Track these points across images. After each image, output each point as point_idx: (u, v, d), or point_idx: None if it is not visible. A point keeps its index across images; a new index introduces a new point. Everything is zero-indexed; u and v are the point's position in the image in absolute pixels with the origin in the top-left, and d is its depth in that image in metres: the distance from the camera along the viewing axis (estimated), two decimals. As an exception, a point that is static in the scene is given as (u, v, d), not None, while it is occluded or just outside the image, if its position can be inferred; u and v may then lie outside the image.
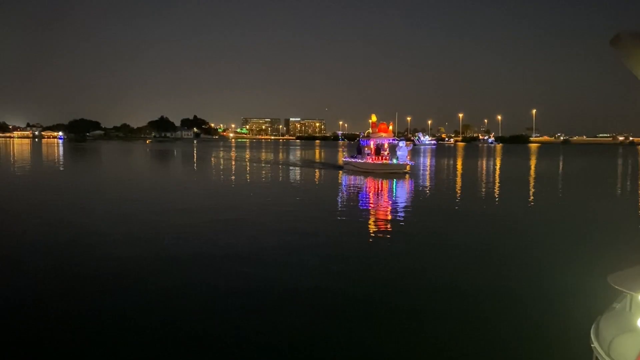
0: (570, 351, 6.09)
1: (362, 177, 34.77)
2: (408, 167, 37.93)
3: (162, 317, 7.53)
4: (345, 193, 26.66)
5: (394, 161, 38.17)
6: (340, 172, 40.27)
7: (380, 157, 39.03)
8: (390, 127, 43.08)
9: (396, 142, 40.79)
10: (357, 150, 42.82)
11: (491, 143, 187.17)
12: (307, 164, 53.25)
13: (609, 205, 21.40)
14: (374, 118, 42.91)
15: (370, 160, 39.44)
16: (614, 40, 2.16)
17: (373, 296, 8.49)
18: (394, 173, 36.20)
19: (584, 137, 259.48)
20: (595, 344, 2.27)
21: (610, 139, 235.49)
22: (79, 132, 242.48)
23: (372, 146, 40.64)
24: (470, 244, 13.31)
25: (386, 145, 40.15)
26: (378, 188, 28.29)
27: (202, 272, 9.84)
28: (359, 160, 40.61)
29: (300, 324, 7.23)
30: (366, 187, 29.26)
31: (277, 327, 7.12)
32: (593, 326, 2.38)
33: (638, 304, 2.19)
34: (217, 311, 7.75)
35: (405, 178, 34.03)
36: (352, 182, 32.33)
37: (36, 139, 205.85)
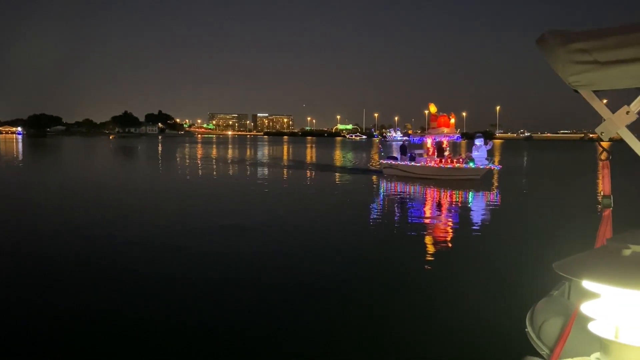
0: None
1: (419, 185, 26.83)
2: (487, 171, 29.12)
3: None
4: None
5: (471, 164, 28.91)
6: (380, 177, 31.42)
7: (447, 160, 30.05)
8: (452, 121, 32.29)
9: (459, 139, 32.76)
10: (401, 150, 33.40)
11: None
12: (325, 167, 41.88)
13: None
14: (432, 109, 32.40)
15: (431, 163, 30.09)
16: (539, 40, 2.26)
17: None
18: (464, 179, 28.10)
19: (547, 133, 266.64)
20: (528, 329, 2.35)
21: (569, 134, 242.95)
22: (39, 127, 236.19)
23: (430, 145, 31.60)
24: None
25: (445, 144, 31.46)
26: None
27: None
28: (411, 164, 31.12)
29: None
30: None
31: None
32: (529, 312, 2.43)
33: (577, 290, 2.22)
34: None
35: (477, 184, 26.76)
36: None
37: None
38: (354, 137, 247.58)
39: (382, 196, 24.02)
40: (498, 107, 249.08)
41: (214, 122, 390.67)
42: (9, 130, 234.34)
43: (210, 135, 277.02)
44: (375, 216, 17.78)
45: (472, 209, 20.05)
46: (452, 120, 32.22)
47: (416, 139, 33.27)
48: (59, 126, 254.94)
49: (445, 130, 31.30)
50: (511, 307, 6.88)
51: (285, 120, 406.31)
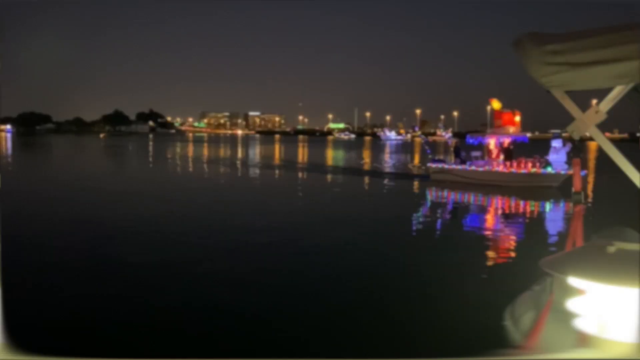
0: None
1: (482, 194, 23.00)
2: (568, 177, 23.39)
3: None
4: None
5: (549, 169, 24.73)
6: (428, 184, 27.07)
7: (519, 164, 25.80)
8: (517, 118, 28.06)
9: (526, 140, 28.63)
10: (455, 152, 29.10)
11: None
12: (351, 171, 37.98)
13: None
14: (496, 105, 27.98)
15: (498, 168, 26.01)
16: (515, 42, 2.33)
17: None
18: (538, 187, 24.16)
19: (537, 132, 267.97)
20: (508, 322, 2.41)
21: (551, 135, 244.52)
22: (28, 125, 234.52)
23: (493, 147, 27.42)
24: None
25: (511, 145, 27.54)
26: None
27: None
28: (470, 168, 26.93)
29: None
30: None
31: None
32: (509, 306, 2.49)
33: (559, 286, 2.30)
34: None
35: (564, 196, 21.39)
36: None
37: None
38: (342, 135, 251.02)
39: (443, 208, 21.04)
40: (488, 107, 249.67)
41: (205, 120, 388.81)
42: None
43: (201, 134, 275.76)
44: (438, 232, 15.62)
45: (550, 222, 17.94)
46: (517, 118, 28.10)
47: (474, 139, 28.55)
48: (49, 124, 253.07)
49: (512, 129, 27.46)
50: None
51: (277, 119, 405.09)
